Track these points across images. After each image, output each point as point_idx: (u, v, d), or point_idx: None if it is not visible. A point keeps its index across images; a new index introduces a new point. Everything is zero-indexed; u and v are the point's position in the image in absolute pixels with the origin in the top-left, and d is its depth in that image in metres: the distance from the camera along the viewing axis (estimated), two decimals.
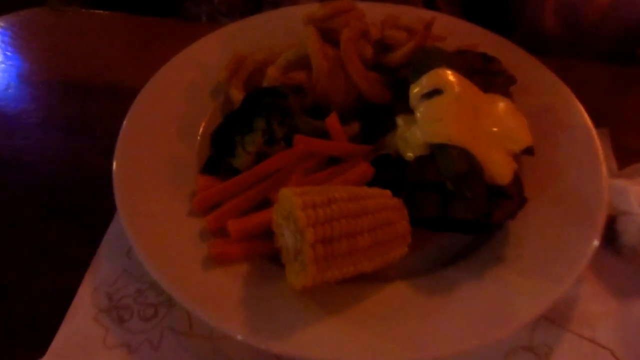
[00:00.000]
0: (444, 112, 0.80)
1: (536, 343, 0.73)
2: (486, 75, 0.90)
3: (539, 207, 0.80)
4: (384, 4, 1.14)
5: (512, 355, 0.72)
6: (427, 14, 1.06)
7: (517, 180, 0.78)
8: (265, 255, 0.78)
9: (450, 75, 0.83)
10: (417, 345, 0.67)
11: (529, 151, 0.81)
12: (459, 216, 0.74)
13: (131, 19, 1.30)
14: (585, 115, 0.91)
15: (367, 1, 1.06)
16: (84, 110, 1.09)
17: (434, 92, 0.82)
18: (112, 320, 0.77)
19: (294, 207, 0.69)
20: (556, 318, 0.76)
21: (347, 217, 0.70)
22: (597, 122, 0.92)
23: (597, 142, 0.87)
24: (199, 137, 0.94)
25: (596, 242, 0.75)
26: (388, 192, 0.76)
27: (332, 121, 0.87)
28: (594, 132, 0.88)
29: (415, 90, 0.84)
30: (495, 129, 0.81)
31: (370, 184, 0.81)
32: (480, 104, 0.83)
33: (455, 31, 1.05)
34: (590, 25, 1.29)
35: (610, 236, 0.82)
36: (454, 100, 0.81)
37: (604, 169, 0.83)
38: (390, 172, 0.82)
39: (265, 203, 0.82)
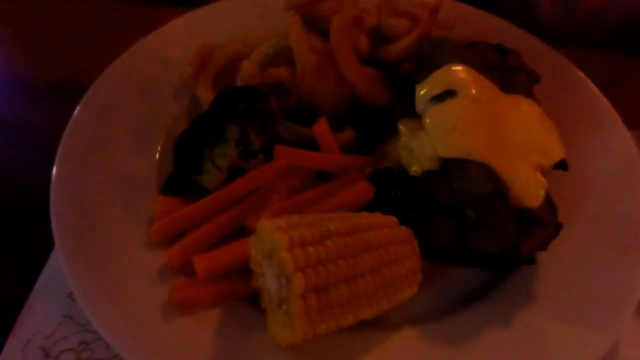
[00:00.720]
0: (460, 119, 0.66)
1: None
2: (504, 71, 0.76)
3: (572, 232, 0.67)
4: None
5: None
6: None
7: (549, 202, 0.65)
8: (241, 297, 0.62)
9: (465, 73, 0.69)
10: None
11: (562, 165, 0.68)
12: (480, 248, 0.60)
13: (81, 2, 1.11)
14: (618, 118, 0.78)
15: None
16: (21, 112, 0.91)
17: (446, 94, 0.68)
18: None
19: (278, 247, 0.54)
20: None
21: (346, 256, 0.55)
22: (627, 124, 0.80)
23: (635, 150, 0.74)
24: (159, 148, 0.77)
25: None
26: (394, 220, 0.62)
27: (321, 128, 0.73)
28: (629, 138, 0.75)
29: (423, 91, 0.70)
30: (521, 140, 0.67)
31: (370, 205, 0.67)
32: (502, 108, 0.69)
33: (460, 18, 0.91)
34: (589, 12, 1.16)
35: None
36: (471, 104, 0.67)
37: None
38: (394, 191, 0.68)
39: (240, 230, 0.67)
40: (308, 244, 0.54)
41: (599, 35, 1.18)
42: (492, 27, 0.90)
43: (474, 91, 0.68)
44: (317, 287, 0.53)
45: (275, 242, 0.54)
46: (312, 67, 0.76)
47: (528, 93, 0.75)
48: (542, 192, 0.64)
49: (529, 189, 0.64)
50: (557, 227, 0.63)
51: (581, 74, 0.84)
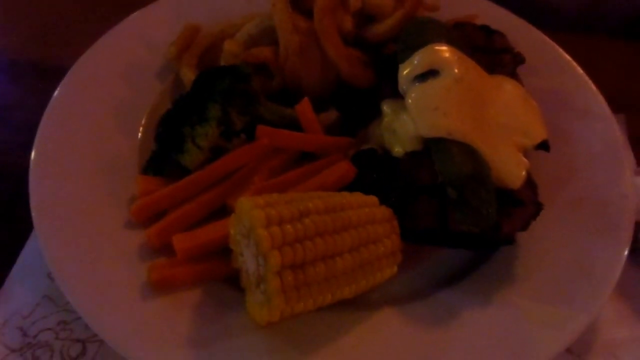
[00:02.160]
0: (442, 99, 0.66)
1: None
2: (489, 53, 0.76)
3: (553, 214, 0.67)
4: None
5: None
6: None
7: (530, 182, 0.64)
8: (221, 278, 0.62)
9: (448, 53, 0.68)
10: None
11: (544, 146, 0.67)
12: (461, 228, 0.60)
13: None
14: (603, 101, 0.78)
15: None
16: (2, 92, 0.90)
17: (429, 74, 0.67)
18: None
19: (255, 224, 0.53)
20: (574, 348, 0.63)
21: (324, 234, 0.55)
22: (612, 108, 0.79)
23: (618, 133, 0.73)
24: (141, 128, 0.77)
25: (624, 257, 0.62)
26: (374, 199, 0.61)
27: (304, 108, 0.72)
28: (614, 122, 0.75)
29: (406, 71, 0.69)
30: (503, 120, 0.67)
31: (351, 186, 0.66)
32: (486, 88, 0.69)
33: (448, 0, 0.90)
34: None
35: (634, 246, 0.69)
36: (454, 84, 0.66)
37: (627, 167, 0.70)
38: (376, 172, 0.67)
39: (222, 211, 0.66)
40: (286, 222, 0.54)
41: (618, 20, 1.14)
42: (480, 9, 0.89)
43: (457, 71, 0.67)
44: (294, 265, 0.53)
45: (253, 220, 0.54)
46: (296, 47, 0.75)
47: (512, 74, 0.74)
48: (524, 173, 0.64)
49: (511, 169, 0.63)
50: (537, 207, 0.63)
51: (567, 57, 0.83)
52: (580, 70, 0.82)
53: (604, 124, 0.75)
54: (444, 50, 0.69)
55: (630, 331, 0.65)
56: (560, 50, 0.84)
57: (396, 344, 0.58)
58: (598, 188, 0.69)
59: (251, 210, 0.54)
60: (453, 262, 0.66)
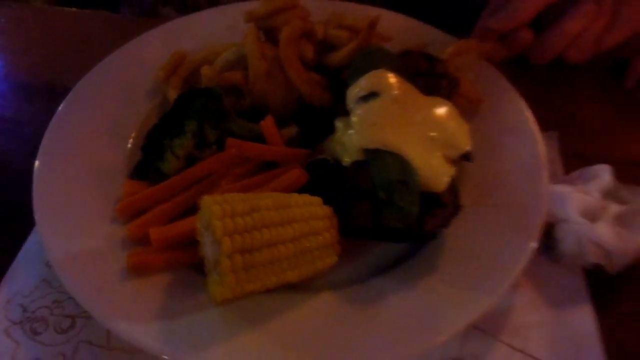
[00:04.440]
0: (379, 116, 0.77)
1: (466, 354, 0.70)
2: (429, 77, 0.87)
3: (476, 215, 0.77)
4: (333, 2, 1.10)
5: None
6: (374, 12, 1.02)
7: (453, 187, 0.75)
8: (190, 265, 0.74)
9: (388, 78, 0.80)
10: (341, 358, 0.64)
11: (467, 157, 0.78)
12: (389, 225, 0.71)
13: (71, 13, 1.25)
14: (531, 118, 0.89)
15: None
16: (17, 109, 1.04)
17: (371, 95, 0.79)
18: (25, 333, 0.73)
19: (212, 216, 0.65)
20: (488, 328, 0.73)
21: (269, 226, 0.66)
22: (548, 125, 0.90)
23: (541, 146, 0.84)
24: (131, 140, 0.89)
25: (530, 251, 0.72)
26: (318, 200, 0.73)
27: (268, 124, 0.84)
28: (537, 136, 0.86)
29: (353, 92, 0.81)
30: (433, 134, 0.78)
31: (306, 190, 0.78)
32: (420, 107, 0.80)
33: (406, 31, 1.03)
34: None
35: (549, 244, 0.80)
36: (391, 104, 0.78)
37: (544, 175, 0.80)
38: (326, 178, 0.79)
39: (195, 210, 0.78)
40: (238, 215, 0.66)
41: None
42: (432, 38, 1.01)
43: (394, 93, 0.79)
44: (242, 250, 0.64)
45: (211, 213, 0.65)
46: (263, 72, 0.87)
47: (448, 96, 0.86)
48: (447, 179, 0.74)
49: (436, 175, 0.74)
50: (457, 208, 0.74)
51: (505, 81, 0.93)
52: (514, 91, 0.92)
53: (529, 140, 0.86)
54: (384, 75, 0.81)
55: (540, 316, 0.74)
56: (499, 73, 0.95)
57: (332, 320, 0.68)
58: (517, 193, 0.79)
59: (210, 206, 0.66)
60: (387, 255, 0.76)
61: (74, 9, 1.24)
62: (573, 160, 0.93)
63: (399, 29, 1.03)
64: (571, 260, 0.79)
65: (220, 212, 0.65)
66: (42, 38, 1.19)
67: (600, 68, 1.08)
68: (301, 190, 0.78)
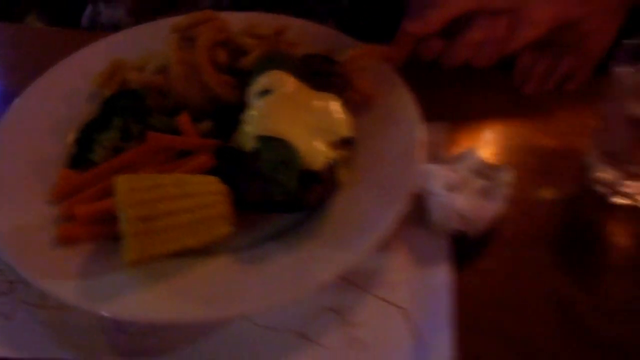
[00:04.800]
0: (271, 109, 0.92)
1: (339, 304, 0.84)
2: (325, 76, 1.02)
3: (355, 191, 0.92)
4: (257, 14, 1.24)
5: (320, 314, 0.83)
6: (288, 22, 1.16)
7: (331, 167, 0.89)
8: (110, 237, 0.88)
9: (281, 77, 0.95)
10: (224, 305, 0.78)
11: (349, 142, 0.93)
12: (275, 199, 0.85)
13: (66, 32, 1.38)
14: (415, 110, 1.02)
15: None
16: None
17: (265, 92, 0.94)
18: None
19: (120, 191, 0.79)
20: (362, 284, 0.87)
21: (167, 199, 0.81)
22: (443, 117, 1.07)
23: (418, 132, 0.98)
24: (70, 137, 1.04)
25: (394, 218, 0.86)
26: (214, 179, 0.87)
27: (183, 119, 0.98)
28: (417, 124, 0.99)
29: (252, 90, 0.95)
30: (317, 123, 0.92)
31: (214, 173, 0.92)
32: (309, 102, 0.94)
33: (317, 37, 1.17)
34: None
35: (423, 214, 0.94)
36: (282, 99, 0.93)
37: (416, 156, 0.94)
38: (230, 163, 0.93)
39: None
40: (142, 191, 0.80)
41: None
42: (340, 43, 1.15)
43: (284, 89, 0.93)
44: (144, 218, 0.78)
45: (119, 190, 0.80)
46: (181, 75, 1.02)
47: (341, 92, 1.00)
48: (323, 159, 0.88)
49: (315, 156, 0.88)
50: (333, 184, 0.88)
51: (400, 82, 1.06)
52: (406, 90, 1.06)
53: (410, 127, 1.00)
54: (278, 75, 0.95)
55: (407, 274, 0.87)
56: (397, 75, 1.08)
57: (225, 276, 0.82)
58: (391, 171, 0.93)
59: (120, 184, 0.81)
60: (280, 223, 0.91)
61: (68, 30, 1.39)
62: (461, 146, 1.07)
63: (312, 36, 1.17)
64: (439, 227, 0.92)
65: (127, 188, 0.79)
66: (31, 50, 1.33)
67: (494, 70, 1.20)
68: (210, 173, 0.92)
